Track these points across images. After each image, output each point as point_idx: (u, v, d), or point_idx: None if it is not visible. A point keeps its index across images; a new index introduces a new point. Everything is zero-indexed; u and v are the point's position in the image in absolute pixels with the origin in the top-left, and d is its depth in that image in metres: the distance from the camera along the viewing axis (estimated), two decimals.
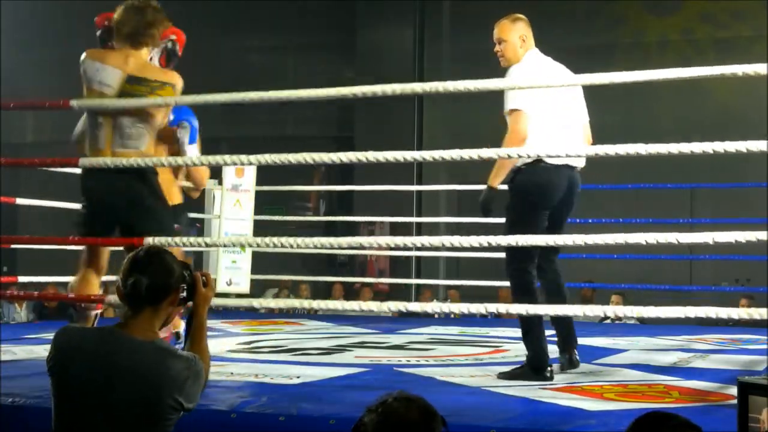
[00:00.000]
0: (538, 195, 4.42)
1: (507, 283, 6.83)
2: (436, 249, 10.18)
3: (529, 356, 4.35)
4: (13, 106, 4.87)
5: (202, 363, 2.61)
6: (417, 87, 4.28)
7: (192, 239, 4.33)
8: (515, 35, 4.48)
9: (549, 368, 4.29)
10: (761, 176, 8.13)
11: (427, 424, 1.86)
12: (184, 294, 2.67)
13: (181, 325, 4.51)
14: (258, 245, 4.20)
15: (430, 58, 12.65)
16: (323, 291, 11.36)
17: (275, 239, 4.04)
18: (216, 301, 4.86)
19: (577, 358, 4.59)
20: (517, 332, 6.31)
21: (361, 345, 5.95)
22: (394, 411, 1.85)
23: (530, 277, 4.44)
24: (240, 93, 4.32)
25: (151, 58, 4.46)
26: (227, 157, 4.25)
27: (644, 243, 3.56)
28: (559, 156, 4.19)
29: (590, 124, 4.73)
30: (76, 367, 2.41)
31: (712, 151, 3.51)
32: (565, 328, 4.57)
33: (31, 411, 3.32)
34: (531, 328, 4.37)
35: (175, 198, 5.03)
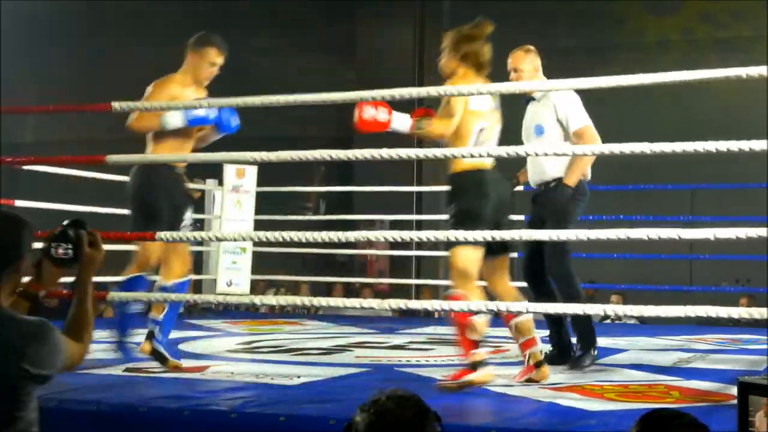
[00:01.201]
0: (584, 203, 4.98)
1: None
2: (437, 247, 10.16)
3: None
4: (53, 109, 4.96)
5: (51, 326, 2.38)
6: (413, 91, 4.25)
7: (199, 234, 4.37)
8: (529, 65, 4.93)
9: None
10: (761, 177, 8.12)
11: (421, 422, 1.84)
12: (70, 254, 2.52)
13: None
14: (259, 239, 4.23)
15: (430, 58, 12.63)
16: (323, 291, 11.35)
17: (277, 234, 4.06)
18: (217, 298, 4.88)
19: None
20: None
21: (361, 345, 5.95)
22: (387, 410, 1.82)
23: None
24: (238, 98, 4.32)
25: None
26: (224, 155, 4.29)
27: (646, 238, 3.57)
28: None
29: (590, 123, 5.00)
30: None
31: (714, 150, 3.52)
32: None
33: None
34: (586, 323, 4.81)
35: None
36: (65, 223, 2.60)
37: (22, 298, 2.52)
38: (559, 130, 4.87)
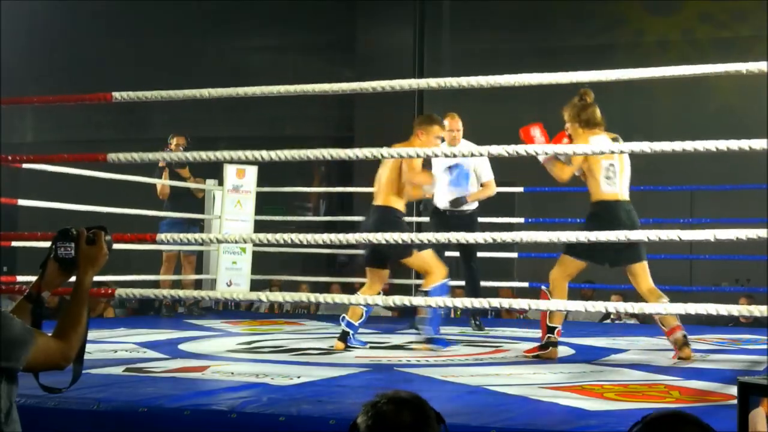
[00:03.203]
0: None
1: (508, 283, 6.95)
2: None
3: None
4: (53, 99, 5.16)
5: (10, 316, 2.30)
6: (413, 82, 4.32)
7: (197, 236, 4.37)
8: (461, 126, 6.84)
9: None
10: (761, 178, 8.12)
11: (421, 425, 1.84)
12: (72, 253, 2.45)
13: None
14: (260, 241, 4.24)
15: (430, 58, 12.65)
16: (323, 292, 11.35)
17: (278, 235, 4.07)
18: (224, 294, 4.88)
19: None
20: (517, 332, 6.33)
21: None
22: (385, 413, 1.83)
23: None
24: (239, 88, 4.34)
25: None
26: (224, 153, 4.30)
27: (646, 240, 3.57)
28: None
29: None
30: None
31: (715, 150, 3.53)
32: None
33: (30, 411, 3.32)
34: None
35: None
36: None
37: (25, 299, 2.50)
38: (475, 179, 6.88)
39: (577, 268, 5.30)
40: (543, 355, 5.22)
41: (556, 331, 5.23)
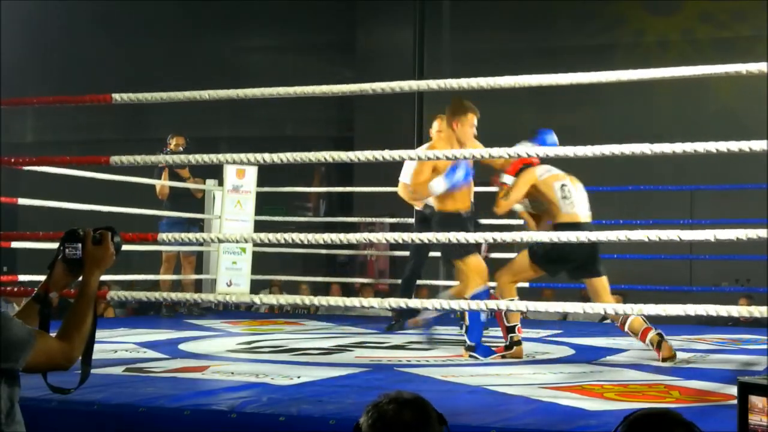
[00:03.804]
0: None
1: None
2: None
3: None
4: (52, 100, 5.20)
5: (8, 317, 2.29)
6: (413, 84, 4.34)
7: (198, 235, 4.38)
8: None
9: None
10: (761, 178, 8.12)
11: (422, 425, 1.85)
12: (79, 254, 2.45)
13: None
14: (260, 240, 4.25)
15: (430, 58, 12.65)
16: (323, 292, 11.36)
17: (278, 235, 4.07)
18: (217, 297, 4.87)
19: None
20: None
21: (361, 345, 5.95)
22: (385, 414, 1.85)
23: None
24: (239, 90, 4.34)
25: None
26: (227, 156, 4.31)
27: (646, 240, 3.57)
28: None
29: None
30: None
31: (715, 151, 3.53)
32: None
33: (30, 411, 3.32)
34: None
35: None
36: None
37: (33, 300, 2.50)
38: None
39: (531, 276, 5.39)
40: (509, 355, 5.20)
41: (516, 329, 5.21)
